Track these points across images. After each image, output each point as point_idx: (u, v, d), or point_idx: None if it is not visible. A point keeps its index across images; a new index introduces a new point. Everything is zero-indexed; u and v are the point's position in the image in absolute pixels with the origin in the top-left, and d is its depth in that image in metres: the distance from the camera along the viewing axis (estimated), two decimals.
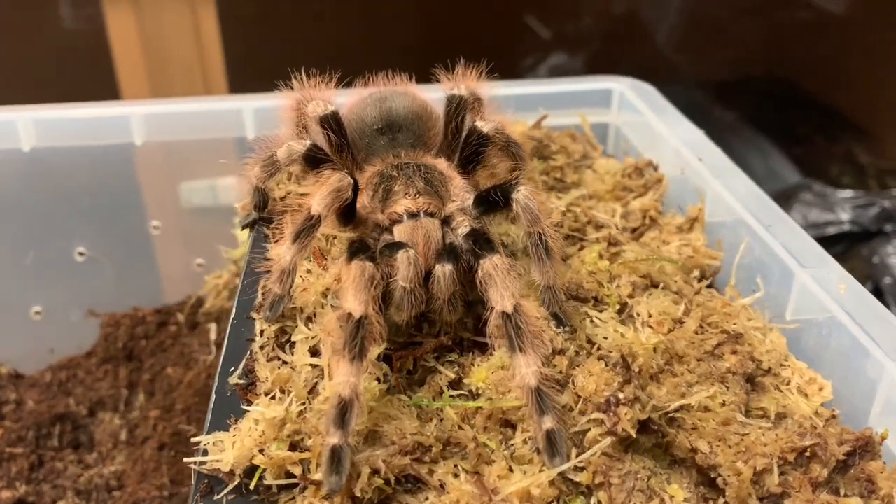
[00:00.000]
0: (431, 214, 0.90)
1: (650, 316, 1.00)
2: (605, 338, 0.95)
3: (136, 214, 1.56)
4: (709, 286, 1.13)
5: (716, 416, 0.87)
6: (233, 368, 0.90)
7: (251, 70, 2.02)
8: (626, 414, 0.80)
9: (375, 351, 0.85)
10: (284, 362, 0.89)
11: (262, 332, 0.91)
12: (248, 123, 1.48)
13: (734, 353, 0.97)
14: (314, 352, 0.89)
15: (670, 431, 0.84)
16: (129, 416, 1.51)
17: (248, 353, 0.90)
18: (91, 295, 1.58)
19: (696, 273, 1.13)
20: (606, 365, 0.88)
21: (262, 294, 0.94)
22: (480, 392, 0.88)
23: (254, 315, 0.93)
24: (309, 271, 0.96)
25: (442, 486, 0.80)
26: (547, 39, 2.81)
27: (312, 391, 0.86)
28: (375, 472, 0.79)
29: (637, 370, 0.87)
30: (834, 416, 0.92)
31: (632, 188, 1.32)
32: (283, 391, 0.86)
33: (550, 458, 0.80)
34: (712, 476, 0.82)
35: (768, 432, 0.85)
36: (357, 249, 0.84)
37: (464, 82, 1.02)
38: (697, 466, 0.84)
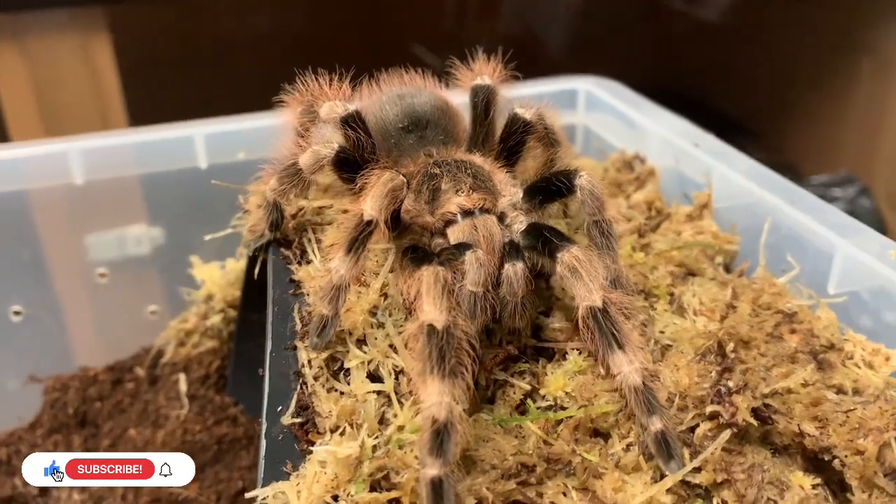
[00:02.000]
0: (487, 211, 0.82)
1: (701, 304, 0.95)
2: (663, 331, 0.90)
3: (77, 262, 1.39)
4: (727, 269, 1.10)
5: (804, 398, 0.82)
6: (280, 407, 0.78)
7: (151, 108, 1.89)
8: (742, 402, 0.74)
9: None
10: (342, 393, 0.78)
11: (309, 361, 0.79)
12: (200, 151, 1.35)
13: (793, 332, 0.93)
14: (373, 377, 0.79)
15: (775, 418, 0.78)
16: (91, 489, 1.33)
17: (299, 387, 0.78)
18: (31, 358, 1.40)
19: (720, 259, 1.10)
20: (695, 356, 0.82)
21: (302, 319, 0.83)
22: (559, 401, 0.80)
23: (297, 344, 0.81)
24: None
25: None
26: (437, 68, 2.79)
27: (382, 422, 0.76)
28: (480, 502, 0.70)
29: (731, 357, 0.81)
30: None
31: (623, 182, 1.28)
32: (350, 425, 0.75)
33: (666, 461, 0.72)
34: (826, 459, 0.77)
35: (869, 406, 0.80)
36: (424, 255, 0.75)
37: (486, 72, 0.94)
38: (804, 451, 0.79)
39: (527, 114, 0.90)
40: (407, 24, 2.65)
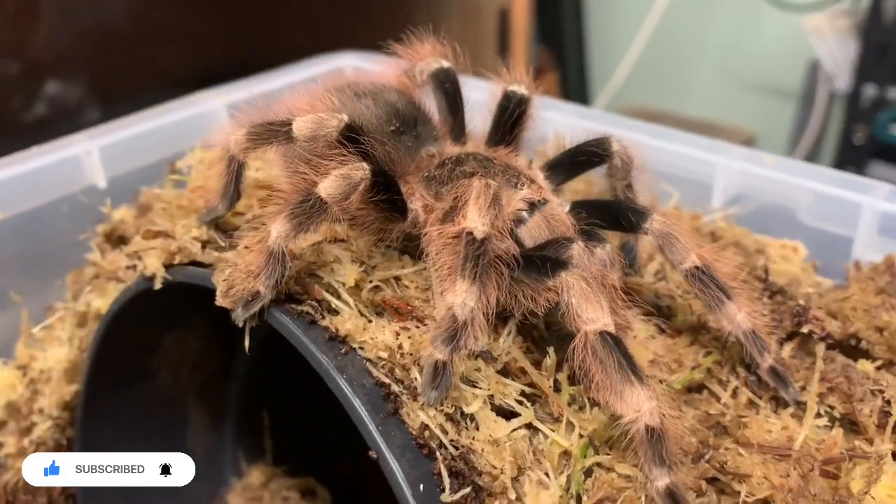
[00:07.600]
0: (546, 202, 0.75)
1: None
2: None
3: None
4: None
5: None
6: (423, 486, 0.64)
7: None
8: (821, 314, 0.80)
9: None
10: (489, 441, 0.66)
11: (431, 420, 0.66)
12: None
13: (724, 248, 1.01)
14: (501, 412, 0.68)
15: None
16: None
17: (436, 457, 0.64)
18: None
19: None
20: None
21: (387, 374, 0.67)
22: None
23: (400, 407, 0.66)
24: (399, 332, 0.71)
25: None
26: None
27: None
28: (697, 494, 0.66)
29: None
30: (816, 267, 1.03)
31: None
32: (521, 471, 0.65)
33: (786, 389, 0.76)
34: (853, 344, 0.85)
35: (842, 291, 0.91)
36: (547, 261, 0.67)
37: (437, 55, 0.85)
38: (830, 345, 0.87)
39: (521, 89, 0.82)
40: None
